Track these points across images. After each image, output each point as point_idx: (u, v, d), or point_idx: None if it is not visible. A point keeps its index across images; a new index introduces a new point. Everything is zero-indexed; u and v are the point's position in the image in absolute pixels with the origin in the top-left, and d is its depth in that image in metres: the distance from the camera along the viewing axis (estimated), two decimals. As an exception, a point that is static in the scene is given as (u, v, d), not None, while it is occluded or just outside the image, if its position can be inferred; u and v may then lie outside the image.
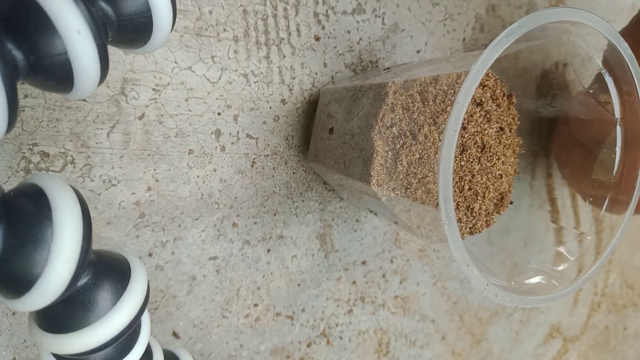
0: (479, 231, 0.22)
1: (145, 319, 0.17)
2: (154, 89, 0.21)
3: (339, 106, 0.22)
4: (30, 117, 0.19)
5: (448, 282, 0.31)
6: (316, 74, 0.24)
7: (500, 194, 0.22)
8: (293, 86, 0.24)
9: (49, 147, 0.19)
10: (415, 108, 0.19)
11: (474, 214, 0.21)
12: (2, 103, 0.11)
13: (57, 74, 0.13)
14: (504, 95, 0.22)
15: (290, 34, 0.23)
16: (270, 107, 0.24)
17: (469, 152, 0.21)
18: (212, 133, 0.22)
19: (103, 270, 0.15)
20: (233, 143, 0.23)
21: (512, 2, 0.30)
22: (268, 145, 0.24)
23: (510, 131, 0.22)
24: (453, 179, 0.18)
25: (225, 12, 0.22)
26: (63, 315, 0.14)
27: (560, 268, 0.21)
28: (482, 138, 0.21)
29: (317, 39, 0.24)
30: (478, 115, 0.21)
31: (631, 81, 0.19)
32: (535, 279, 0.20)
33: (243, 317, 0.24)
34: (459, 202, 0.21)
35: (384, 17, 0.26)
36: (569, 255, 0.21)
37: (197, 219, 0.23)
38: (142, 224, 0.21)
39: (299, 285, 0.26)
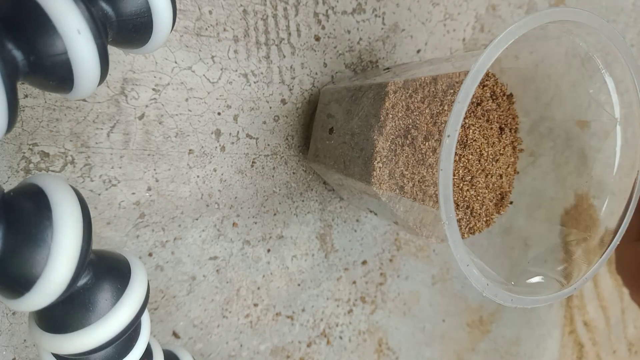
0: (479, 231, 0.22)
1: (145, 319, 0.17)
2: (154, 89, 0.21)
3: (339, 106, 0.22)
4: (30, 117, 0.19)
5: (448, 282, 0.31)
6: (316, 74, 0.24)
7: (500, 194, 0.22)
8: (293, 86, 0.24)
9: (49, 147, 0.19)
10: (415, 108, 0.19)
11: (474, 214, 0.21)
12: (2, 103, 0.11)
13: (57, 74, 0.13)
14: (503, 95, 0.22)
15: (290, 34, 0.23)
16: (270, 107, 0.24)
17: (469, 152, 0.21)
18: (212, 133, 0.22)
19: (103, 270, 0.15)
20: (233, 143, 0.23)
21: (512, 2, 0.30)
22: (268, 145, 0.24)
23: (510, 131, 0.22)
24: (453, 179, 0.18)
25: (225, 12, 0.22)
26: (63, 315, 0.14)
27: (560, 268, 0.21)
28: (482, 138, 0.21)
29: (317, 39, 0.24)
30: (478, 115, 0.21)
31: (631, 81, 0.19)
32: (535, 279, 0.20)
33: (243, 317, 0.24)
34: (459, 202, 0.21)
35: (384, 17, 0.26)
36: (569, 255, 0.21)
37: (197, 219, 0.23)
38: (142, 224, 0.21)
39: (299, 285, 0.26)
